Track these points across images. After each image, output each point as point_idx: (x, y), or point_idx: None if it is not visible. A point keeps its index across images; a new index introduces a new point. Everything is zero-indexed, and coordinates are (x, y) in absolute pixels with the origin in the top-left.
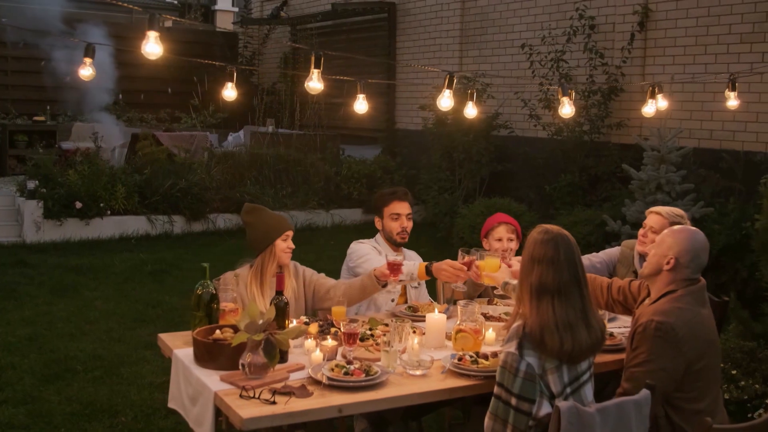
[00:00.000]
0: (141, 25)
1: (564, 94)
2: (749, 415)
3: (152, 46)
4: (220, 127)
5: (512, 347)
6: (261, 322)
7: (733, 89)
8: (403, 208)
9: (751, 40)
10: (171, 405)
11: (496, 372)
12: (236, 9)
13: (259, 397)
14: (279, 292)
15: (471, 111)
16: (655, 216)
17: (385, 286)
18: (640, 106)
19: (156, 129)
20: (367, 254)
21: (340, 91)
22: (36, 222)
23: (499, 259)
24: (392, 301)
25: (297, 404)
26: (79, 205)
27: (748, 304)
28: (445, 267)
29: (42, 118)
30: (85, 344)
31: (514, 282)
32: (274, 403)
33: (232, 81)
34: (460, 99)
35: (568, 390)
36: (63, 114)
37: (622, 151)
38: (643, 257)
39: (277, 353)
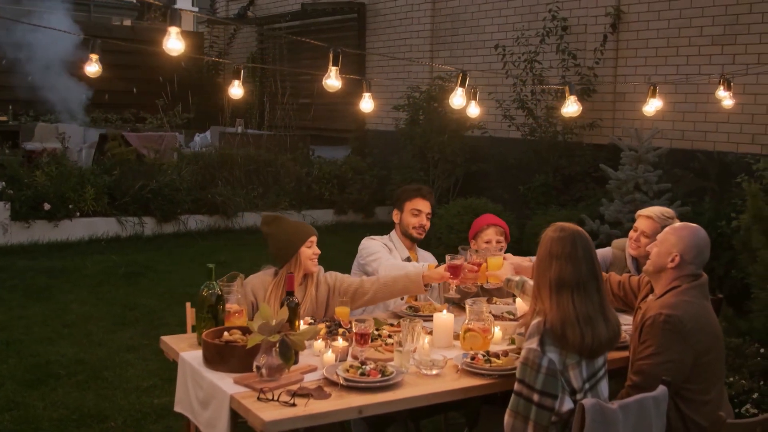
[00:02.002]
0: (100, 24)
1: (571, 93)
2: (736, 411)
3: (174, 42)
4: (186, 128)
5: (534, 343)
6: (275, 323)
7: (729, 89)
8: (425, 206)
9: (722, 42)
10: (177, 409)
11: (517, 369)
12: (196, 9)
13: (278, 400)
14: (290, 293)
15: (474, 110)
16: (646, 220)
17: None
18: (612, 106)
19: (121, 129)
20: (377, 252)
21: (310, 92)
22: (3, 224)
23: (502, 256)
24: (402, 299)
25: (317, 406)
26: (47, 206)
27: (727, 302)
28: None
29: (4, 118)
30: (65, 348)
31: (517, 278)
32: (293, 405)
33: (239, 78)
34: (434, 99)
35: (587, 386)
36: (25, 114)
37: (595, 151)
38: (635, 259)
39: (292, 355)
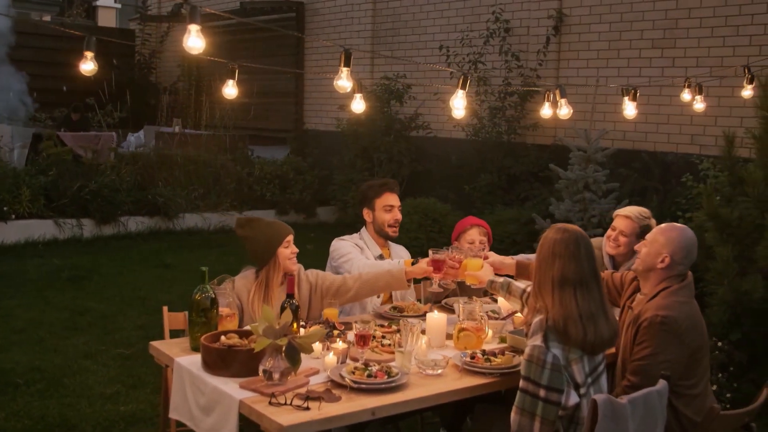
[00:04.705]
0: (28, 19)
1: (562, 96)
2: None
3: (194, 40)
4: (120, 127)
5: (538, 340)
6: (278, 326)
7: (700, 92)
8: (395, 199)
9: (662, 46)
10: (173, 416)
11: (521, 366)
12: (119, 5)
13: (291, 404)
14: (290, 295)
15: (459, 112)
16: (624, 219)
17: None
18: (554, 107)
19: (50, 129)
20: (348, 253)
21: (249, 91)
22: None
23: (482, 258)
24: (378, 297)
25: (330, 409)
26: None
27: None
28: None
29: None
30: (19, 356)
31: (500, 280)
32: (307, 408)
33: (233, 78)
34: (378, 100)
35: (589, 380)
36: None
37: (538, 151)
38: (612, 258)
39: (299, 358)
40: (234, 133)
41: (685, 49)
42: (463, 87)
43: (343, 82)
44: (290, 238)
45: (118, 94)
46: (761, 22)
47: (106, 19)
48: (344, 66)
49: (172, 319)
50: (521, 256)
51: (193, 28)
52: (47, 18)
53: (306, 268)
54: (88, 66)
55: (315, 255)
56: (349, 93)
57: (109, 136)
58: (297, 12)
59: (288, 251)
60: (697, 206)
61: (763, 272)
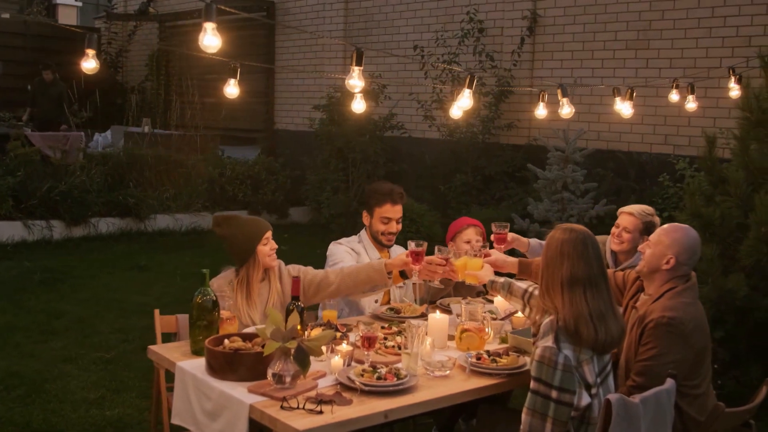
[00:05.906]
0: None
1: (564, 95)
2: None
3: (210, 39)
4: (87, 127)
5: (549, 341)
6: (286, 329)
7: (692, 92)
8: (395, 212)
9: (636, 47)
10: (176, 421)
11: (532, 367)
12: (80, 3)
13: (303, 408)
14: (295, 297)
15: (456, 112)
16: (627, 216)
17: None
18: (529, 108)
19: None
20: (342, 260)
21: (220, 90)
22: None
23: (482, 258)
24: (376, 302)
25: (344, 412)
26: None
27: None
28: (423, 263)
29: None
30: None
31: (501, 280)
32: (320, 412)
33: (235, 77)
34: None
35: (599, 380)
36: None
37: (513, 151)
38: (616, 254)
39: (309, 361)
40: (204, 133)
41: (658, 51)
42: (470, 86)
43: (355, 80)
44: (269, 234)
45: (86, 93)
46: (734, 24)
47: (67, 17)
48: (356, 65)
49: (164, 322)
50: (535, 241)
51: (209, 26)
52: (6, 16)
53: None
54: (89, 64)
55: (289, 255)
56: (321, 94)
57: (77, 136)
58: (267, 12)
59: (267, 248)
60: (673, 206)
61: (746, 271)
